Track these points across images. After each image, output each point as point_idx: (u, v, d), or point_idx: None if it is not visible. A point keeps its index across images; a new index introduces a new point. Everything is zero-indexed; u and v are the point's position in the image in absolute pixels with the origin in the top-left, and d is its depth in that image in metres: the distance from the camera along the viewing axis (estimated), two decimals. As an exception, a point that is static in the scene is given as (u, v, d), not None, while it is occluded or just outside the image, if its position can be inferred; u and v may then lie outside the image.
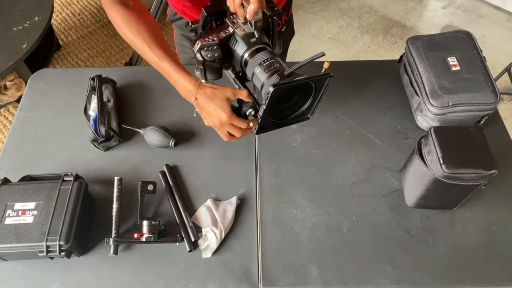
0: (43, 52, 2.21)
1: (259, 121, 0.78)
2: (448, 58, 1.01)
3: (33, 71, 1.24)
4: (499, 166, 0.79)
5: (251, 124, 0.81)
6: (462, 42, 1.04)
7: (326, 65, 0.76)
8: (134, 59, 2.28)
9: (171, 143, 0.99)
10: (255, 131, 0.82)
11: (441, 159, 0.80)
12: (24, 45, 1.80)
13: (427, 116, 1.00)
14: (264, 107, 0.74)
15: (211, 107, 0.80)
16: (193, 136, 1.04)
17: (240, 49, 0.83)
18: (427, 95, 0.97)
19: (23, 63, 1.87)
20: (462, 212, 0.92)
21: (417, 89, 1.03)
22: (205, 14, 0.84)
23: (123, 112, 1.08)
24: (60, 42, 2.47)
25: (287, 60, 1.36)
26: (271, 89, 0.70)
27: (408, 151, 1.01)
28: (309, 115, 0.85)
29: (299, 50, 2.46)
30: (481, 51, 1.02)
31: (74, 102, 1.09)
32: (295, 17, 1.24)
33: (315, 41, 2.55)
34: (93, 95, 1.04)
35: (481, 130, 0.85)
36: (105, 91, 1.06)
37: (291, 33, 1.26)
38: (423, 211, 0.93)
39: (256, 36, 0.81)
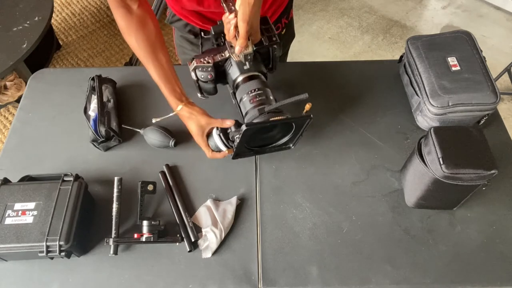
0: (43, 52, 2.21)
1: (234, 149, 0.83)
2: (448, 58, 1.01)
3: (33, 71, 1.24)
4: (499, 166, 0.79)
5: (226, 152, 0.88)
6: (462, 42, 1.04)
7: (307, 107, 0.80)
8: (134, 59, 2.28)
9: (171, 143, 0.99)
10: (231, 157, 0.88)
11: (441, 159, 0.80)
12: (24, 45, 1.80)
13: (427, 116, 1.00)
14: (238, 140, 0.79)
15: (189, 127, 0.91)
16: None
17: (233, 73, 0.87)
18: (427, 95, 0.97)
19: (23, 63, 1.87)
20: (462, 212, 0.92)
21: (417, 89, 1.03)
22: (213, 33, 0.87)
23: (123, 112, 1.08)
24: (60, 42, 2.47)
25: (288, 60, 1.36)
26: (243, 128, 0.74)
27: (408, 151, 1.01)
28: (291, 145, 0.89)
29: (299, 51, 2.46)
30: (481, 51, 1.02)
31: (74, 102, 1.09)
32: (295, 17, 1.24)
33: (315, 41, 2.55)
34: (93, 95, 1.04)
35: (481, 130, 0.85)
36: (105, 91, 1.06)
37: (291, 36, 1.26)
38: (423, 211, 0.93)
39: (248, 66, 0.85)
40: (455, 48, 1.03)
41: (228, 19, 0.79)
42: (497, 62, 2.24)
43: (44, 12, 1.93)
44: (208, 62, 0.86)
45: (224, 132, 0.86)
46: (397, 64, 1.16)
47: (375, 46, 2.51)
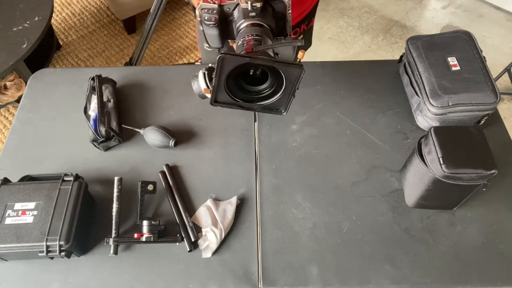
0: (43, 52, 2.21)
1: (211, 89, 0.73)
2: (448, 58, 1.01)
3: (33, 71, 1.24)
4: (499, 166, 0.79)
5: (208, 95, 0.77)
6: (462, 42, 1.04)
7: (300, 55, 0.71)
8: (134, 59, 2.28)
9: (171, 143, 0.99)
10: (210, 101, 0.77)
11: (441, 159, 0.80)
12: (24, 45, 1.80)
13: (427, 116, 1.00)
14: (214, 75, 0.70)
15: None
16: (193, 136, 1.04)
17: (238, 19, 0.81)
18: (427, 95, 0.97)
19: (23, 63, 1.86)
20: (462, 212, 0.92)
21: (417, 89, 1.03)
22: None
23: (123, 112, 1.08)
24: (60, 42, 2.47)
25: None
26: (219, 56, 0.66)
27: (408, 151, 1.01)
28: (282, 111, 0.79)
29: (299, 50, 2.45)
30: (481, 51, 1.02)
31: (74, 102, 1.09)
32: (295, 17, 1.23)
33: (315, 41, 2.53)
34: (93, 95, 1.04)
35: (481, 130, 0.85)
36: (105, 91, 1.06)
37: (308, 44, 1.24)
38: (423, 211, 0.93)
39: (254, 14, 0.79)
40: (455, 48, 1.03)
41: None
42: (497, 62, 2.23)
43: (44, 12, 1.93)
44: (214, 3, 0.82)
45: (209, 72, 0.79)
46: (397, 64, 1.16)
47: (375, 46, 2.51)
